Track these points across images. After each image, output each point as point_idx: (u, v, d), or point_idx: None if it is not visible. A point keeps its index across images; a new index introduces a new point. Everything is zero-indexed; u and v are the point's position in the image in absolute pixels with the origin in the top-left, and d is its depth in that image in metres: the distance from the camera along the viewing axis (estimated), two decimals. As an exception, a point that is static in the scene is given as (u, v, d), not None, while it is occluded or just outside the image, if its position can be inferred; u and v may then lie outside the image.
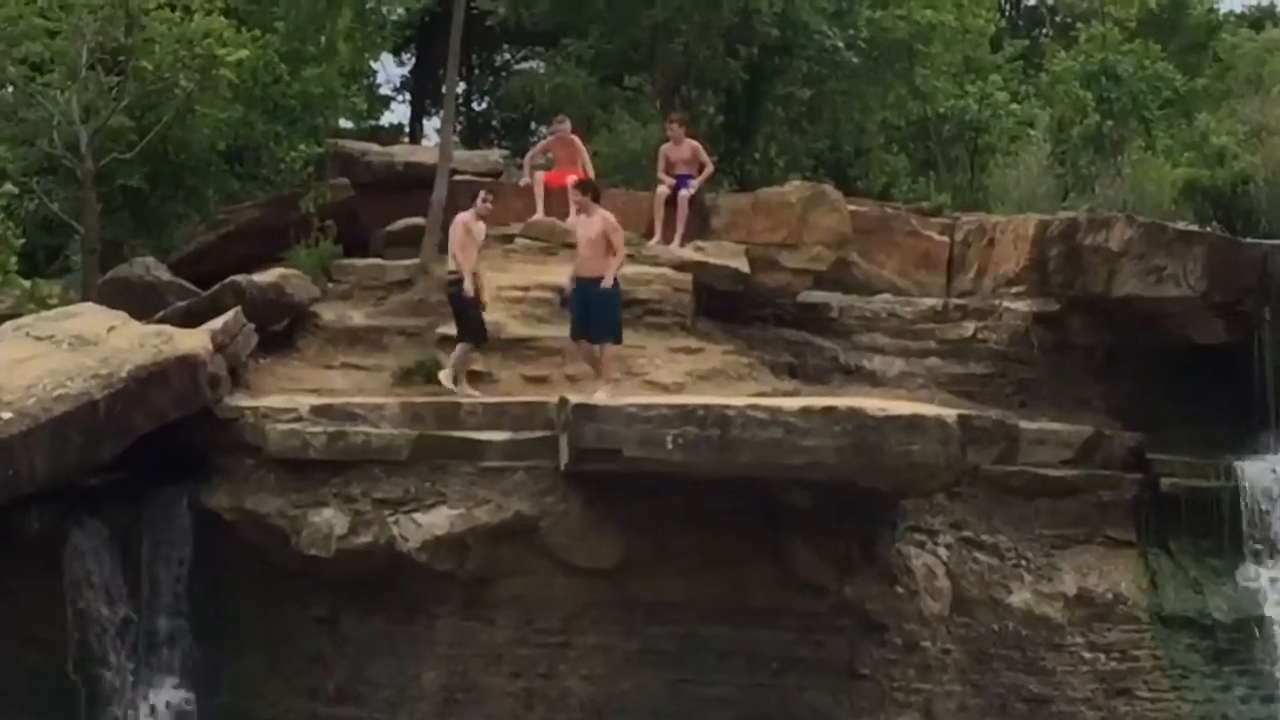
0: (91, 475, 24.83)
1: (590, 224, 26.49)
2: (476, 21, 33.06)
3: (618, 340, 26.35)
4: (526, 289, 28.45)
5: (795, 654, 25.49)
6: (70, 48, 29.61)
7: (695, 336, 28.11)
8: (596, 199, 27.07)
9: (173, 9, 30.30)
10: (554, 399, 25.73)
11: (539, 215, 29.98)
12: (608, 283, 26.14)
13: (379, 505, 25.06)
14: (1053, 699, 26.65)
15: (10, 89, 29.89)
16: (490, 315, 27.88)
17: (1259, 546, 28.01)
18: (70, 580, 24.68)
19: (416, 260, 28.93)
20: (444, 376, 26.37)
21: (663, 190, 29.65)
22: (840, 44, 33.71)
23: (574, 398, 25.34)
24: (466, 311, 26.76)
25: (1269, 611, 27.62)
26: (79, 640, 24.63)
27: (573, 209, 27.63)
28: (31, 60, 29.92)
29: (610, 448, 24.62)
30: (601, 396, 25.30)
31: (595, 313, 26.27)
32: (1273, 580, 27.83)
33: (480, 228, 27.28)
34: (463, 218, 27.29)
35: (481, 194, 27.81)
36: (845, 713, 25.64)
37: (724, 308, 28.31)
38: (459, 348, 26.75)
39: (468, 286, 26.64)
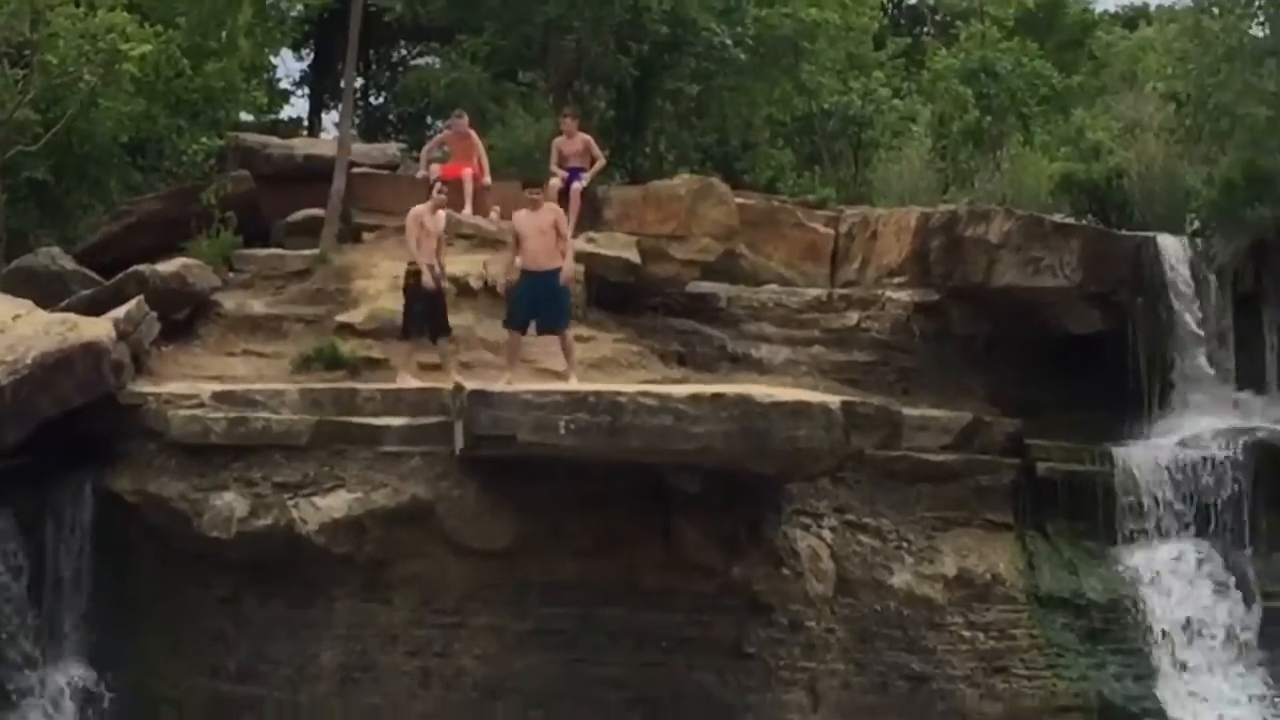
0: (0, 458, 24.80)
1: (539, 217, 26.65)
2: (374, 18, 33.21)
3: (565, 328, 26.68)
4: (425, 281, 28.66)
5: (684, 634, 25.66)
6: (-24, 42, 29.75)
7: (587, 325, 28.15)
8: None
9: (76, 4, 30.34)
10: (449, 385, 25.90)
11: (416, 208, 30.11)
12: (567, 270, 26.55)
13: (279, 489, 25.14)
14: (933, 676, 26.84)
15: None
16: (386, 304, 28.10)
17: (1132, 529, 28.41)
18: (-19, 569, 24.88)
19: (315, 250, 29.05)
20: (400, 380, 26.65)
21: (555, 183, 29.60)
22: (728, 41, 33.82)
23: (469, 384, 25.64)
24: (414, 305, 26.92)
25: (1142, 592, 27.97)
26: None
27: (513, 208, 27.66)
28: (-61, 53, 30.02)
29: (505, 434, 24.80)
30: (574, 383, 25.79)
31: (548, 302, 26.54)
32: (1146, 562, 28.25)
33: (438, 218, 27.47)
34: (415, 210, 27.36)
35: (436, 185, 28.08)
36: (732, 691, 25.81)
37: (615, 298, 28.48)
38: (404, 346, 27.04)
39: (426, 279, 26.81)
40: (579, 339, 27.65)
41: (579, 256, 28.43)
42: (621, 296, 28.57)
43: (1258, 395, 30.03)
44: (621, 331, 28.56)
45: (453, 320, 27.69)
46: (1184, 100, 32.58)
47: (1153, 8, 39.27)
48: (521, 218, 26.91)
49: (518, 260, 26.76)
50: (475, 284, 28.37)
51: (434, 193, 27.63)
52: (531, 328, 26.78)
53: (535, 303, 26.57)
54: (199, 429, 25.49)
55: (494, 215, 29.87)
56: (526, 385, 25.95)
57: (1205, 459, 28.55)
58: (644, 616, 25.57)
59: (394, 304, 28.05)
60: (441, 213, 27.63)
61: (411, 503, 25.23)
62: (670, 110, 34.65)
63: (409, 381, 26.49)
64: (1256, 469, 28.54)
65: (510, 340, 26.69)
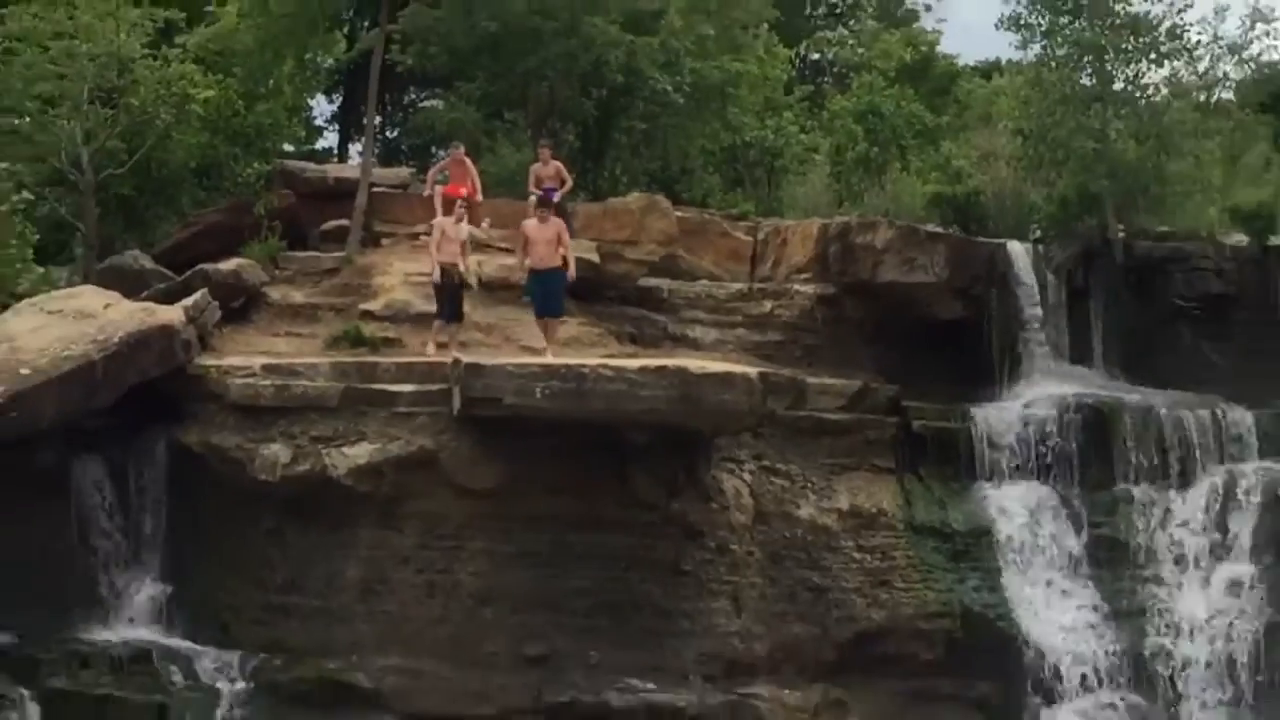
0: (90, 419, 24.82)
1: (547, 229, 26.80)
2: (389, 69, 33.10)
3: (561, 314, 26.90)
4: (429, 275, 28.63)
5: (636, 555, 25.74)
6: (74, 87, 29.44)
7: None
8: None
9: (154, 57, 30.31)
10: (450, 359, 25.97)
11: (439, 219, 30.16)
12: (571, 271, 26.74)
13: (314, 441, 25.25)
14: (830, 589, 26.89)
15: (27, 119, 29.77)
16: (400, 295, 28.21)
17: (988, 472, 28.55)
18: (75, 503, 24.86)
19: (343, 253, 29.03)
20: (428, 349, 26.73)
21: (533, 200, 29.50)
22: (669, 88, 33.68)
23: (464, 358, 25.80)
24: (440, 295, 27.00)
25: (995, 522, 28.05)
26: (80, 551, 24.84)
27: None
28: (44, 96, 29.77)
29: (493, 397, 24.97)
30: (549, 357, 25.87)
31: (550, 294, 26.79)
32: (998, 498, 28.31)
33: (461, 228, 27.47)
34: (439, 220, 27.63)
35: (459, 204, 28.14)
36: (673, 599, 25.87)
37: (581, 290, 28.35)
38: (435, 323, 27.06)
39: (434, 276, 26.89)
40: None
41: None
42: (586, 289, 28.48)
43: (1087, 368, 30.14)
44: (585, 317, 28.48)
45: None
46: (1028, 135, 32.66)
47: (1003, 62, 39.25)
48: (531, 227, 27.03)
49: (526, 261, 26.91)
50: (470, 279, 28.38)
51: (456, 208, 27.69)
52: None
53: (544, 295, 26.76)
54: (251, 393, 25.60)
55: (485, 225, 29.88)
56: (510, 359, 26.10)
57: (1044, 417, 28.66)
58: (604, 541, 25.58)
59: (406, 295, 28.23)
60: (463, 224, 27.65)
61: (419, 452, 25.29)
62: (624, 142, 34.53)
63: (431, 353, 26.52)
64: (1083, 425, 28.66)
65: (539, 324, 26.95)
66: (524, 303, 27.59)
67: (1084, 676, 27.21)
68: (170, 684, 24.21)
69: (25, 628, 24.10)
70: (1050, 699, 27.08)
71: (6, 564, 24.23)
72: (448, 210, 29.72)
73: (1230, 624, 27.32)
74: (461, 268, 27.24)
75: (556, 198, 29.46)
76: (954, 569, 27.69)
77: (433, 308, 27.67)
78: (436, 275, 27.01)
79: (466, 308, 27.73)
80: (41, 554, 24.49)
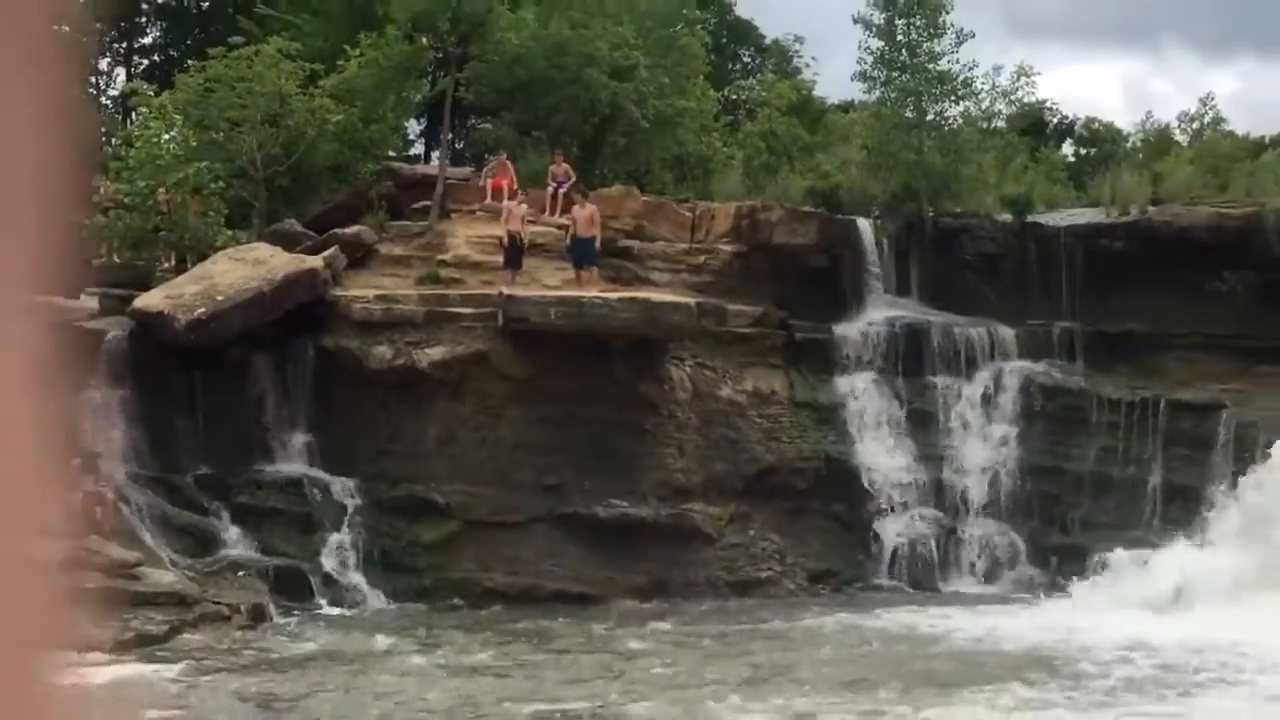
0: (263, 330, 24.81)
1: (586, 211, 26.87)
2: (457, 102, 32.87)
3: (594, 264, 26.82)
4: (483, 238, 28.51)
5: (617, 418, 25.75)
6: (251, 113, 29.28)
7: (567, 262, 27.62)
8: (585, 195, 27.74)
9: (304, 94, 30.18)
10: (496, 291, 26.07)
11: (489, 200, 29.98)
12: (599, 239, 26.84)
13: (409, 344, 25.31)
14: (740, 441, 26.88)
15: (221, 134, 29.61)
16: (464, 250, 28.14)
17: (844, 365, 28.47)
18: (253, 385, 25.01)
19: (427, 223, 28.90)
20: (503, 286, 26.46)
21: (550, 188, 29.55)
22: (639, 117, 33.63)
23: (506, 290, 25.85)
24: (510, 251, 26.89)
25: (847, 400, 27.96)
26: (256, 414, 25.00)
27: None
28: (232, 119, 29.61)
29: (523, 316, 25.23)
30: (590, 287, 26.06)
31: (587, 254, 26.63)
32: (849, 384, 28.17)
33: (519, 209, 27.53)
34: (508, 204, 27.75)
35: (519, 195, 28.64)
36: (639, 448, 25.97)
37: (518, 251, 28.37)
38: (507, 273, 26.86)
39: (505, 240, 26.93)
40: (562, 270, 27.60)
41: (563, 226, 28.41)
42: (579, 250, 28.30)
43: (907, 300, 30.05)
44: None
45: (494, 259, 27.59)
46: (871, 150, 32.57)
47: (856, 102, 39.15)
48: (576, 210, 27.10)
49: (573, 229, 26.91)
50: (526, 242, 28.37)
51: (519, 198, 28.11)
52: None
53: (580, 254, 26.61)
54: (367, 313, 25.63)
55: (518, 204, 29.81)
56: (535, 293, 26.12)
57: (879, 332, 28.61)
58: (595, 410, 25.59)
59: (468, 250, 28.07)
60: (522, 205, 27.75)
61: (476, 352, 25.39)
62: (609, 152, 34.28)
63: (506, 289, 26.20)
64: (904, 337, 28.49)
65: (578, 273, 26.74)
66: (566, 257, 27.34)
67: (903, 499, 27.36)
68: (314, 500, 24.42)
69: (220, 463, 24.31)
70: (881, 513, 27.19)
71: (210, 422, 24.41)
72: (495, 196, 29.75)
73: (997, 465, 27.51)
74: (522, 234, 27.05)
75: (565, 188, 29.37)
76: (820, 429, 27.64)
77: (485, 258, 27.65)
78: (506, 240, 26.92)
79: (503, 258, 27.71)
80: (231, 415, 24.62)
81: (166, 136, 29.65)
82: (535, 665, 19.11)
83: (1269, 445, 25.07)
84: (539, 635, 21.28)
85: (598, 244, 26.94)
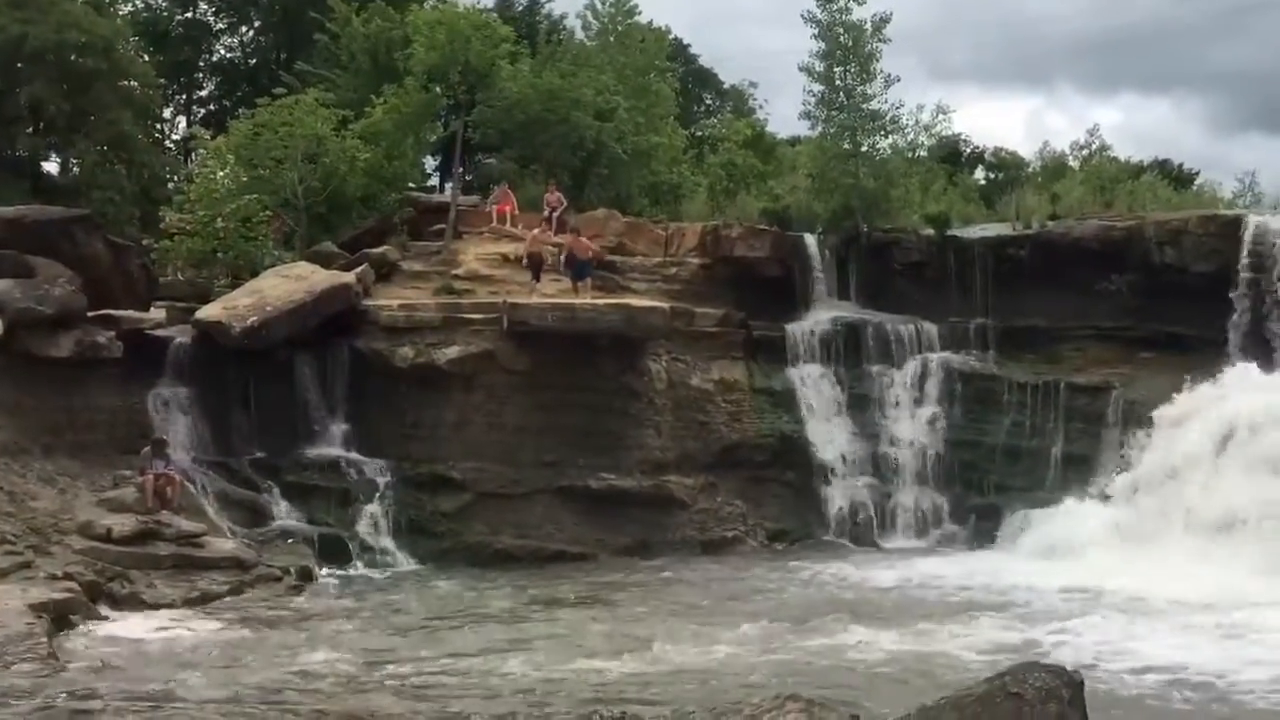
0: (305, 335, 24.70)
1: (581, 241, 27.07)
2: (467, 141, 32.88)
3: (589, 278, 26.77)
4: (489, 255, 28.48)
5: (604, 404, 25.71)
6: (292, 152, 29.26)
7: (560, 275, 27.52)
8: (576, 231, 27.73)
9: (337, 135, 30.08)
10: (501, 300, 26.03)
11: (494, 224, 29.93)
12: (596, 256, 27.06)
13: (428, 345, 25.19)
14: (709, 423, 26.84)
15: (267, 170, 29.55)
16: (474, 265, 28.05)
17: (795, 357, 28.24)
18: (297, 382, 24.79)
19: (442, 243, 28.84)
20: (532, 296, 26.42)
21: (545, 211, 29.40)
22: (620, 151, 33.66)
23: (509, 299, 25.78)
24: (532, 267, 27.05)
25: (798, 387, 27.78)
26: (300, 406, 24.70)
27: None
28: (276, 157, 29.55)
29: (524, 320, 25.20)
30: (578, 299, 25.98)
31: (584, 271, 26.57)
32: (799, 374, 27.99)
33: (540, 234, 27.88)
34: (530, 231, 28.03)
35: (520, 222, 29.00)
36: (624, 428, 25.89)
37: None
38: (532, 283, 26.91)
39: (526, 259, 27.18)
40: (557, 282, 27.50)
41: (555, 246, 28.32)
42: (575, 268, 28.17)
43: (847, 302, 29.88)
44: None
45: (498, 273, 27.61)
46: (815, 176, 32.53)
47: (802, 136, 39.05)
48: (573, 239, 27.04)
49: (569, 253, 26.77)
50: (511, 257, 28.28)
51: (539, 229, 28.22)
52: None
53: (579, 271, 26.50)
54: (392, 320, 25.53)
55: (519, 227, 29.76)
56: (535, 300, 26.09)
57: (825, 329, 28.45)
58: (585, 398, 25.54)
59: (477, 265, 28.08)
60: (547, 234, 28.16)
61: (484, 351, 25.30)
62: (594, 181, 34.23)
63: (533, 298, 26.24)
64: (845, 333, 28.32)
65: (575, 286, 26.58)
66: (563, 272, 27.20)
67: (846, 469, 27.35)
68: (350, 478, 24.35)
69: (271, 448, 24.27)
70: (828, 481, 27.18)
71: (261, 413, 24.32)
72: (499, 220, 29.73)
73: (925, 440, 27.54)
74: (542, 254, 27.11)
75: (558, 213, 29.30)
76: (775, 412, 27.53)
77: (492, 272, 27.69)
78: (527, 259, 27.11)
79: (508, 272, 27.68)
80: (279, 408, 24.46)
81: (221, 173, 29.65)
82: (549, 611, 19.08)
83: (1149, 418, 25.12)
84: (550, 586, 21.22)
85: (594, 263, 26.99)
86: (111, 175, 36.44)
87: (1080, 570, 21.33)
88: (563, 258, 27.10)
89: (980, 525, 26.11)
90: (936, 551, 25.32)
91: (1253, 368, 24.76)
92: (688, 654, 15.54)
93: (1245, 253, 25.82)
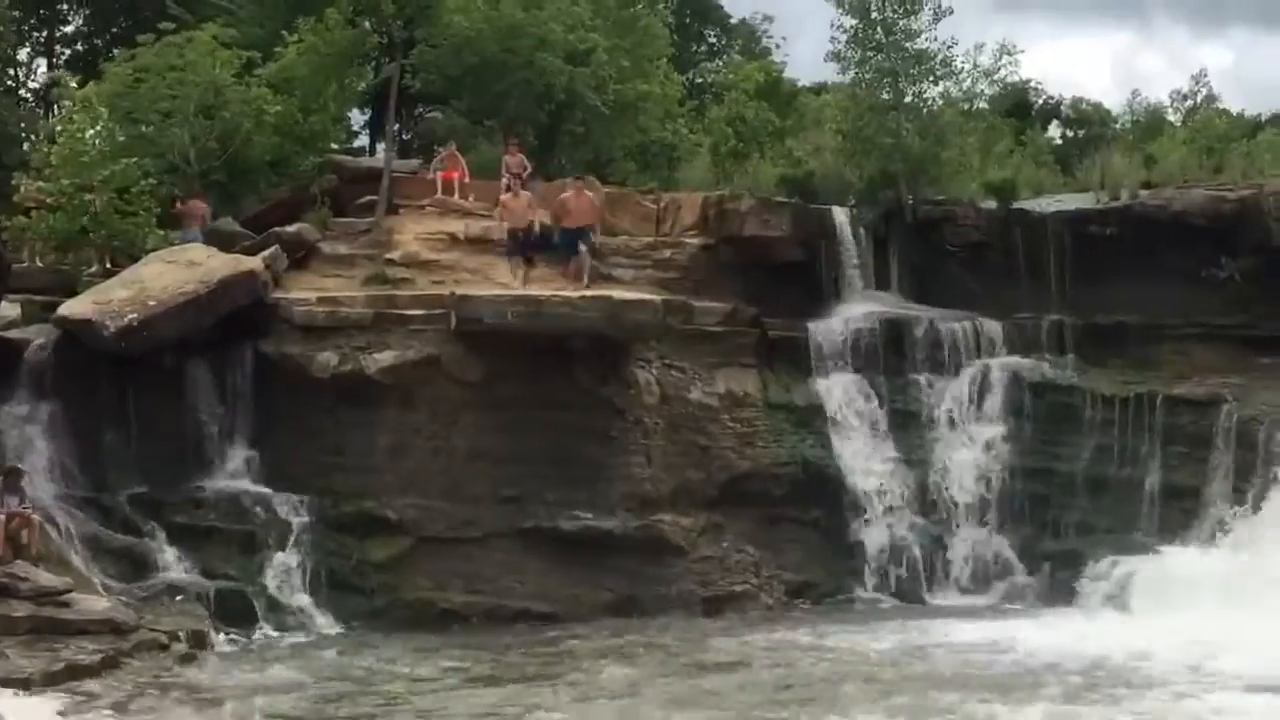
0: (198, 335, 24.69)
1: (582, 197, 27.66)
2: (403, 90, 32.86)
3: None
4: (433, 234, 28.54)
5: (579, 425, 25.69)
6: (184, 105, 29.23)
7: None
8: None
9: (240, 83, 30.09)
10: (448, 292, 26.02)
11: (439, 195, 29.97)
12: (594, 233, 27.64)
13: (355, 349, 25.19)
14: (712, 447, 26.90)
15: (151, 127, 29.52)
16: (412, 248, 28.12)
17: (819, 366, 28.43)
18: (189, 396, 24.83)
19: (372, 219, 28.87)
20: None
21: (504, 179, 29.23)
22: (598, 103, 33.73)
23: (458, 291, 25.82)
24: (514, 244, 27.45)
25: (825, 401, 27.98)
26: (193, 426, 24.82)
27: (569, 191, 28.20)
28: (163, 111, 29.52)
29: (477, 318, 25.22)
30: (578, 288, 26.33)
31: (581, 238, 27.18)
32: (826, 385, 28.20)
33: (520, 199, 27.92)
34: (504, 197, 28.16)
35: (516, 180, 28.81)
36: (604, 456, 25.89)
37: (541, 243, 28.31)
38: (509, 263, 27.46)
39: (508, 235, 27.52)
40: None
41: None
42: (545, 242, 28.25)
43: (887, 294, 30.11)
44: (544, 260, 28.12)
45: (445, 257, 27.72)
46: (846, 134, 32.57)
47: (829, 83, 39.16)
48: (569, 196, 27.57)
49: (564, 221, 27.36)
50: (461, 236, 28.30)
51: (516, 186, 28.34)
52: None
53: (573, 241, 27.04)
54: (310, 317, 25.63)
55: (470, 198, 29.76)
56: (489, 291, 26.14)
57: (859, 328, 28.64)
58: (556, 416, 25.51)
59: (417, 247, 28.27)
60: (525, 194, 28.07)
61: (427, 356, 25.33)
62: (567, 141, 34.35)
63: (514, 284, 26.77)
64: (885, 333, 28.56)
65: (574, 262, 27.17)
66: (555, 246, 27.70)
67: (887, 505, 27.39)
68: (256, 518, 24.34)
69: (155, 480, 24.27)
70: (863, 521, 27.23)
71: (143, 436, 24.32)
72: (445, 189, 29.80)
73: (985, 468, 27.59)
74: (534, 224, 27.44)
75: (522, 182, 29.32)
76: (797, 433, 27.62)
77: (436, 256, 27.86)
78: (508, 235, 27.58)
79: (457, 255, 27.73)
80: (165, 429, 24.49)
81: (92, 131, 29.48)
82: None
83: (1274, 441, 25.17)
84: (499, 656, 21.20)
85: (596, 235, 27.41)
86: (-51, 133, 36.39)
87: (1185, 635, 21.29)
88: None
89: (1057, 576, 26.18)
90: (1001, 610, 25.37)
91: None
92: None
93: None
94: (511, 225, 27.40)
